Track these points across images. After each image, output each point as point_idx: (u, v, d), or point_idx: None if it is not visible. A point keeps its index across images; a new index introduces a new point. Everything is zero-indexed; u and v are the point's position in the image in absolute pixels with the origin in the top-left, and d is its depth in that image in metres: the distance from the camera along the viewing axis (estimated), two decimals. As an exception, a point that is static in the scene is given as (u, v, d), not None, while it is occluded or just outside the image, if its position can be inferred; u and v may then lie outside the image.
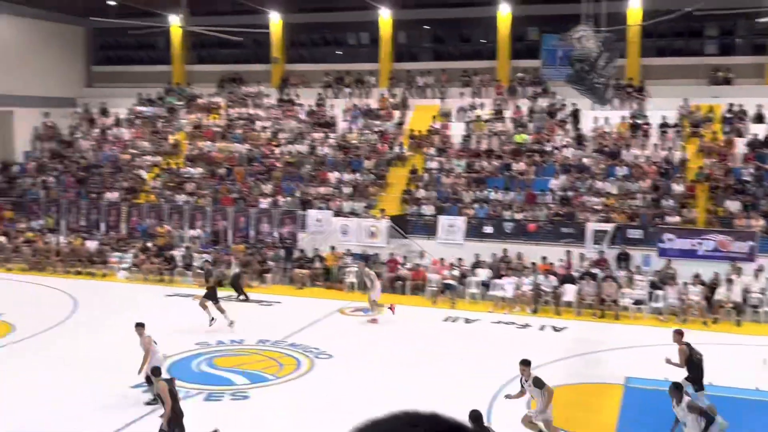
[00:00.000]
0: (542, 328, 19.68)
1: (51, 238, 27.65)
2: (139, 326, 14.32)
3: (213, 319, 18.58)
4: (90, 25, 38.61)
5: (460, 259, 23.85)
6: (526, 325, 19.86)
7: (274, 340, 17.88)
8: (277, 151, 32.08)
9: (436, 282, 22.78)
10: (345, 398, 13.91)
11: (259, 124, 34.02)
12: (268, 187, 29.55)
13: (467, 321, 20.29)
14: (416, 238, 25.91)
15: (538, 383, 11.88)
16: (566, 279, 22.05)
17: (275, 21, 36.24)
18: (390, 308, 20.26)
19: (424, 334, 18.94)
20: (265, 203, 28.63)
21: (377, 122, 32.72)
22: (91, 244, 26.73)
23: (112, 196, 30.44)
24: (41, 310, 20.49)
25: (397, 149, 30.78)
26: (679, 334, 13.42)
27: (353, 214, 27.20)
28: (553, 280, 22.04)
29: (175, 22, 33.84)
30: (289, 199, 28.61)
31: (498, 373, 14.91)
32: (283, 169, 30.72)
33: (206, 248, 26.40)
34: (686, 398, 11.23)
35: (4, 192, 32.18)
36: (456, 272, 23.16)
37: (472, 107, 32.00)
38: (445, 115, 32.15)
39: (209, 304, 18.92)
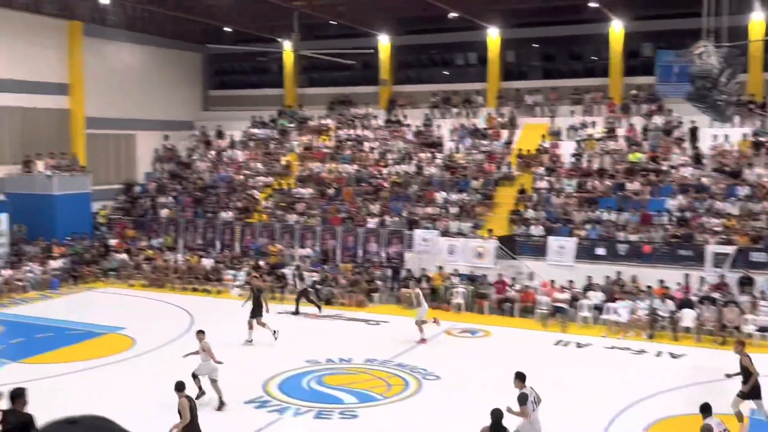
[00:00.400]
0: (659, 354, 18.90)
1: (170, 255, 28.79)
2: (200, 333, 15.03)
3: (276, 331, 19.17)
4: (206, 52, 40.27)
5: (570, 281, 23.28)
6: (641, 351, 19.11)
7: (381, 359, 17.92)
8: (384, 171, 32.37)
9: (546, 304, 22.30)
10: (453, 420, 13.76)
11: (367, 144, 34.47)
12: (375, 207, 29.82)
13: (579, 345, 19.73)
14: (525, 259, 25.49)
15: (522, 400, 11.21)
16: (684, 303, 21.13)
17: (383, 43, 36.73)
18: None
19: (534, 358, 18.53)
20: (372, 223, 28.89)
21: (485, 142, 32.54)
22: (207, 262, 27.64)
23: (227, 215, 31.45)
24: (160, 325, 21.32)
25: (504, 169, 30.47)
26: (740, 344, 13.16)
27: (460, 234, 27.05)
28: (671, 305, 21.16)
29: (287, 47, 34.82)
30: (396, 218, 28.77)
31: (613, 399, 14.38)
32: (390, 189, 30.95)
33: (316, 267, 26.84)
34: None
35: (127, 211, 33.82)
36: (567, 295, 22.61)
37: (583, 126, 31.35)
38: (555, 134, 31.62)
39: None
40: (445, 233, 27.13)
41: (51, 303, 24.59)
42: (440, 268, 25.16)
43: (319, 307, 23.29)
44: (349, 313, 23.23)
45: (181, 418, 11.66)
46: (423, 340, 19.65)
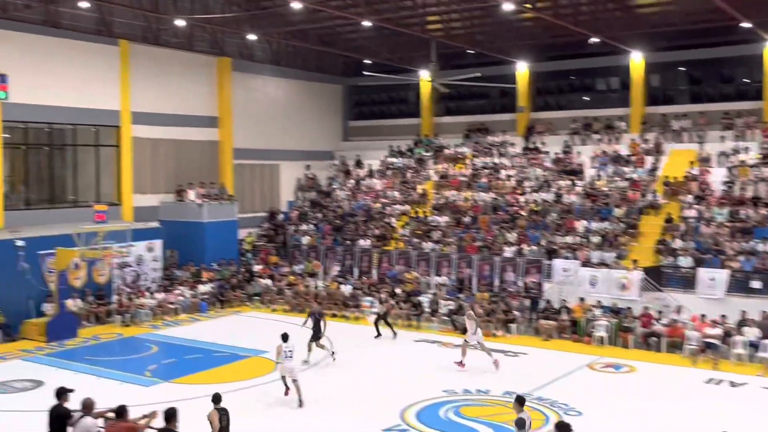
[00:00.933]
0: (824, 397, 17.43)
1: (310, 282, 29.53)
2: (284, 337, 16.99)
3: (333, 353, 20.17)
4: (347, 83, 41.40)
5: (723, 315, 21.94)
6: (803, 393, 17.69)
7: (520, 392, 17.48)
8: (521, 199, 31.93)
9: (696, 340, 21.08)
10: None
11: (504, 172, 34.16)
12: (512, 236, 29.41)
13: (733, 384, 18.51)
14: (672, 291, 24.32)
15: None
16: None
17: (521, 70, 36.45)
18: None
19: (683, 396, 17.56)
20: (509, 252, 28.49)
21: (628, 169, 31.47)
22: (346, 289, 28.13)
23: (365, 243, 31.95)
24: (301, 350, 21.78)
25: (650, 197, 29.32)
26: None
27: (602, 264, 26.16)
28: (837, 343, 19.51)
29: (424, 77, 35.20)
30: (534, 247, 28.23)
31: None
32: (528, 217, 30.46)
33: (451, 295, 26.72)
34: None
35: (271, 238, 35.06)
36: (719, 330, 21.30)
37: (735, 151, 29.74)
38: (704, 161, 30.15)
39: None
40: (587, 263, 26.34)
41: (200, 326, 25.74)
42: (581, 299, 24.41)
43: (394, 333, 23.49)
44: (485, 343, 22.86)
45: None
46: (461, 364, 19.62)
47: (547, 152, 34.42)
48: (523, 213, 30.87)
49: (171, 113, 31.94)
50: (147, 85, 30.85)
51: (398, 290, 27.44)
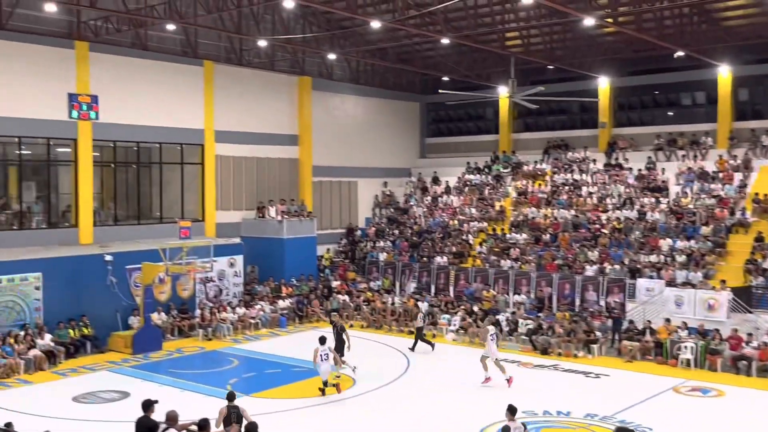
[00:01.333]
0: None
1: (387, 298, 29.58)
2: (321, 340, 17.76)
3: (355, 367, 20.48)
4: (424, 101, 41.52)
5: (818, 339, 20.92)
6: None
7: (602, 415, 17.06)
8: (603, 216, 31.28)
9: (789, 364, 20.16)
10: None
11: (585, 189, 33.56)
12: (594, 254, 28.81)
13: (830, 412, 17.60)
14: (762, 312, 23.33)
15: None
16: None
17: (602, 86, 35.83)
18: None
19: (777, 424, 16.79)
20: (590, 270, 27.91)
21: (715, 186, 30.48)
22: (423, 306, 28.04)
23: (442, 260, 31.83)
24: (379, 366, 21.82)
25: (738, 214, 28.29)
26: None
27: (688, 284, 25.33)
28: None
29: (503, 93, 34.98)
30: (616, 266, 27.58)
31: None
32: (610, 235, 29.81)
33: (530, 314, 26.32)
34: None
35: (348, 254, 35.33)
36: (814, 354, 20.32)
37: (830, 167, 28.46)
38: (797, 177, 28.94)
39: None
40: (671, 283, 25.56)
41: (279, 340, 26.08)
42: (667, 320, 23.65)
43: (432, 346, 23.88)
44: (566, 363, 22.44)
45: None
46: (487, 379, 19.72)
47: (629, 169, 33.67)
48: (605, 231, 30.23)
49: (252, 132, 32.65)
50: (229, 105, 31.64)
51: (476, 308, 27.20)
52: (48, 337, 22.46)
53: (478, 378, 19.85)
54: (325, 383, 18.73)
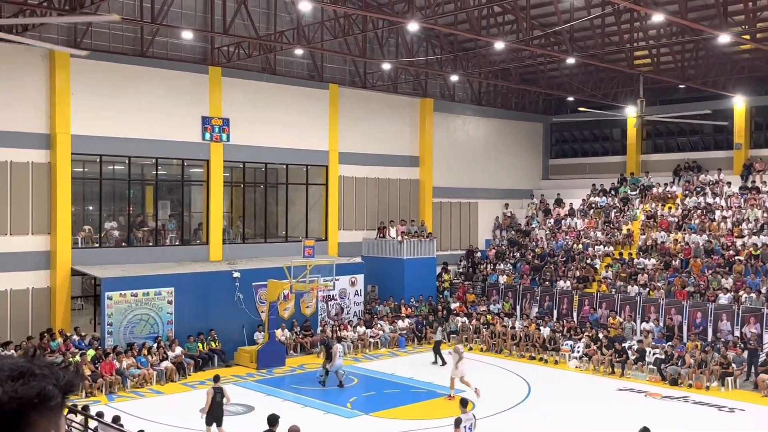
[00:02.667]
0: None
1: (507, 321, 29.13)
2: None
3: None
4: (548, 121, 40.85)
5: None
6: None
7: None
8: (739, 242, 29.65)
9: None
10: None
11: (718, 213, 31.96)
12: (728, 281, 27.33)
13: None
14: None
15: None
16: None
17: (738, 105, 34.13)
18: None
19: None
20: (724, 299, 26.47)
21: None
22: (544, 331, 27.44)
23: (565, 284, 31.07)
24: (498, 391, 21.48)
25: None
26: None
27: (835, 316, 23.59)
28: None
29: (630, 113, 33.94)
30: (752, 295, 26.04)
31: None
32: (745, 261, 28.21)
33: (659, 343, 25.23)
34: None
35: (468, 276, 35.09)
36: None
37: None
38: None
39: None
40: (815, 314, 23.88)
41: (398, 360, 26.16)
42: (809, 354, 22.13)
43: (443, 362, 24.45)
44: (697, 395, 21.35)
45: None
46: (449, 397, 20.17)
47: (768, 192, 31.85)
48: (740, 257, 28.64)
49: (375, 153, 33.10)
50: (353, 127, 32.24)
51: (600, 335, 26.33)
52: (179, 349, 23.46)
53: (601, 407, 19.14)
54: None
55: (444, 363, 24.44)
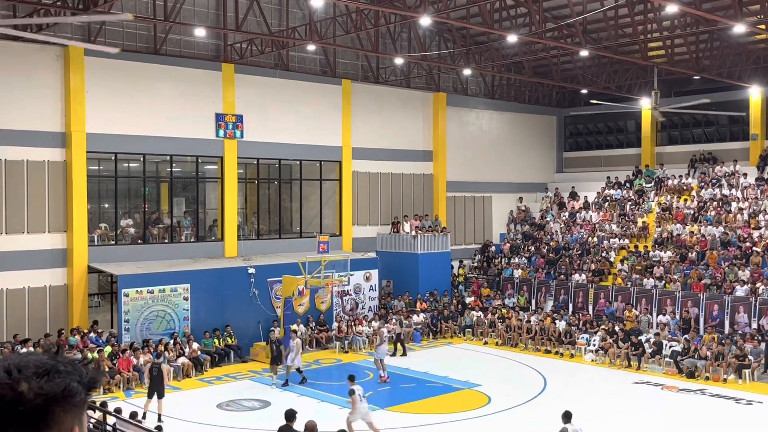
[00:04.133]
0: None
1: (522, 315, 29.07)
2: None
3: None
4: (562, 114, 40.67)
5: None
6: None
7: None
8: (755, 234, 29.44)
9: None
10: None
11: (734, 205, 31.74)
12: (745, 273, 27.15)
13: None
14: None
15: None
16: None
17: (754, 96, 33.84)
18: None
19: None
20: (741, 291, 26.30)
21: None
22: (560, 324, 27.36)
23: (580, 277, 30.97)
24: (514, 385, 21.48)
25: None
26: None
27: None
28: None
29: (645, 105, 33.75)
30: (770, 287, 25.86)
31: None
32: (763, 253, 28.01)
33: (675, 335, 25.12)
34: None
35: (483, 270, 35.04)
36: None
37: None
38: None
39: None
40: (834, 306, 23.69)
41: (413, 355, 26.16)
42: (828, 345, 21.95)
43: (405, 353, 25.58)
44: (714, 388, 21.24)
45: None
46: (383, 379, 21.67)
47: (784, 183, 31.59)
48: (757, 249, 28.43)
49: (388, 148, 33.09)
50: (366, 122, 32.24)
51: (617, 328, 26.24)
52: (195, 345, 23.59)
53: (618, 401, 19.09)
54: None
55: (405, 353, 25.83)
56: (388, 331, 25.07)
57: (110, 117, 24.90)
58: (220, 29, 26.47)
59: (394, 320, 27.32)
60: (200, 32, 25.60)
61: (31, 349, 20.32)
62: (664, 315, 26.75)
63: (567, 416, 13.39)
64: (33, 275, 23.49)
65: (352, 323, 27.39)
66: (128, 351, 21.96)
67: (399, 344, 26.06)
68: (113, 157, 25.97)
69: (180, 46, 27.02)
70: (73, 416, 1.65)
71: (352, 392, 15.41)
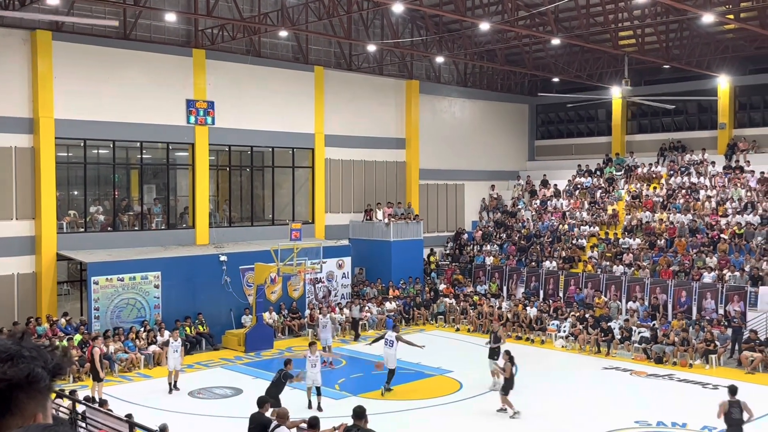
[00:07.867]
0: None
1: (494, 302, 29.28)
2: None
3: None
4: (533, 103, 40.87)
5: None
6: None
7: (720, 428, 16.29)
8: (723, 221, 29.91)
9: None
10: None
11: (703, 193, 32.19)
12: (712, 260, 27.59)
13: None
14: None
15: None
16: None
17: (722, 85, 34.27)
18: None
19: None
20: (709, 277, 26.73)
21: None
22: (531, 311, 27.61)
23: (551, 264, 31.25)
24: (486, 370, 21.60)
25: None
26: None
27: (817, 293, 23.88)
28: None
29: (615, 94, 34.04)
30: (737, 273, 26.30)
31: None
32: (730, 240, 28.47)
33: (644, 322, 25.46)
34: None
35: (456, 258, 35.21)
36: None
37: None
38: None
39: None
40: (797, 292, 24.16)
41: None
42: (791, 330, 22.41)
43: (356, 338, 26.24)
44: (681, 373, 21.61)
45: None
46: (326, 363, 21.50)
47: (751, 171, 32.05)
48: (724, 236, 28.89)
49: (361, 135, 33.04)
50: (339, 109, 32.14)
51: (587, 314, 26.53)
52: (166, 333, 23.45)
53: (588, 386, 19.33)
54: None
55: (357, 336, 26.48)
56: (333, 320, 26.31)
57: (79, 103, 24.56)
58: (191, 14, 26.19)
59: (353, 307, 27.62)
60: (171, 17, 25.29)
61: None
62: (634, 301, 27.09)
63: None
64: (0, 263, 23.17)
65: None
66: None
67: (356, 329, 26.88)
68: (82, 144, 25.63)
69: (150, 31, 26.69)
70: (37, 402, 1.62)
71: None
